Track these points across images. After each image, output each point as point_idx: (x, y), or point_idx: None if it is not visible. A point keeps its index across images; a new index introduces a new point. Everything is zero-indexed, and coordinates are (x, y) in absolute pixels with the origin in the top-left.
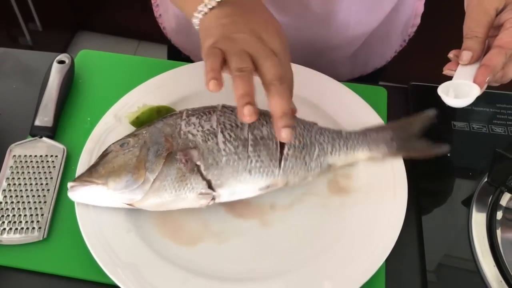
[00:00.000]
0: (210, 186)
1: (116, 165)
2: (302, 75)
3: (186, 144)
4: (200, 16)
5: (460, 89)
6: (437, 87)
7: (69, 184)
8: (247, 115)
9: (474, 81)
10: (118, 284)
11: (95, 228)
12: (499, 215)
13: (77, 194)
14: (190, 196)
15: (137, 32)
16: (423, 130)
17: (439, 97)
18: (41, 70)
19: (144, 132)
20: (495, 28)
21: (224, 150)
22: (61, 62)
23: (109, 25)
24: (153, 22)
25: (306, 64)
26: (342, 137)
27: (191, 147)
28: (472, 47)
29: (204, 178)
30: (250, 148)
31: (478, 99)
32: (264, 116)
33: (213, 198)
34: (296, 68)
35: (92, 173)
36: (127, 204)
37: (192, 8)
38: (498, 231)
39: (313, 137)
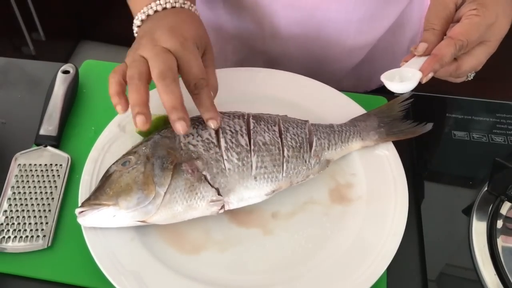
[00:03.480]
0: (219, 193)
1: (123, 184)
2: (277, 78)
3: (189, 155)
4: (135, 34)
5: (404, 76)
6: (438, 97)
7: (77, 210)
8: (139, 125)
9: (420, 69)
10: None
11: (99, 236)
12: (500, 224)
13: (87, 219)
14: (201, 204)
15: None
16: (404, 112)
17: (438, 107)
18: (46, 80)
19: (143, 148)
20: (455, 22)
21: (227, 157)
22: (65, 72)
23: (111, 35)
24: None
25: (308, 75)
26: (335, 131)
27: (194, 158)
28: (428, 39)
29: (212, 186)
30: (253, 154)
31: (479, 108)
32: (265, 123)
33: (223, 206)
34: (271, 72)
35: (99, 196)
36: (140, 222)
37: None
38: (499, 240)
39: (308, 135)
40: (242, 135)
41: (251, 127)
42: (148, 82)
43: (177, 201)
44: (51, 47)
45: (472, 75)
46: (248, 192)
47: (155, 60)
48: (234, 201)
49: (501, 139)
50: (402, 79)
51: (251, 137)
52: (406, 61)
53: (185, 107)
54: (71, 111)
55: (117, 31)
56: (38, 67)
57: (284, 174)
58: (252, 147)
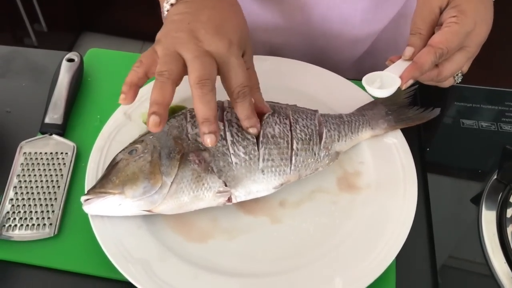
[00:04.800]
0: (226, 185)
1: (130, 172)
2: (283, 66)
3: (196, 146)
4: (165, 12)
5: (385, 80)
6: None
7: (83, 198)
8: (150, 125)
9: (401, 76)
10: (130, 279)
11: (106, 225)
12: (509, 212)
13: (93, 207)
14: (208, 195)
15: (141, 33)
16: (410, 99)
17: (444, 95)
18: (50, 68)
19: (150, 137)
20: (438, 26)
21: (234, 152)
22: (70, 60)
23: (113, 26)
24: (157, 23)
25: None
26: (345, 122)
27: (202, 149)
28: (415, 43)
29: (219, 178)
30: (261, 147)
31: (487, 97)
32: (278, 115)
33: (230, 199)
34: (277, 60)
35: (105, 184)
36: (146, 211)
37: (162, 4)
38: (509, 228)
39: (318, 126)
40: None
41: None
42: (177, 83)
43: (184, 192)
44: (53, 38)
45: (460, 78)
46: (256, 186)
47: (195, 63)
48: (241, 195)
49: (510, 128)
50: (383, 83)
51: (261, 128)
52: (392, 61)
53: (217, 119)
54: (76, 99)
55: (119, 22)
56: (42, 55)
57: (292, 168)
58: (261, 138)
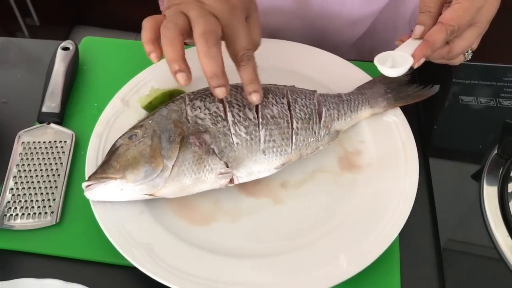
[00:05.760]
0: (227, 166)
1: (130, 157)
2: (281, 47)
3: (196, 128)
4: None
5: (397, 60)
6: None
7: (84, 184)
8: (182, 83)
9: (413, 54)
10: (135, 264)
11: (108, 211)
12: (510, 187)
13: (95, 192)
14: (210, 177)
15: (135, 25)
16: (409, 77)
17: (443, 73)
18: (45, 58)
19: (150, 121)
20: (448, 4)
21: (235, 132)
22: (65, 48)
23: (106, 19)
24: (151, 14)
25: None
26: (344, 101)
27: (202, 131)
28: (425, 21)
29: (221, 159)
30: (261, 128)
31: (484, 73)
32: (273, 95)
33: (232, 180)
34: (275, 42)
35: (106, 169)
36: (148, 195)
37: None
38: (511, 203)
39: (317, 105)
40: (250, 109)
41: None
42: (184, 37)
43: (185, 174)
44: (45, 32)
45: (470, 55)
46: (257, 166)
47: (199, 20)
48: (243, 175)
49: (509, 103)
50: (394, 63)
51: (259, 110)
52: (403, 41)
53: (226, 73)
54: (73, 88)
55: (113, 15)
56: (36, 45)
57: (293, 147)
58: (260, 120)
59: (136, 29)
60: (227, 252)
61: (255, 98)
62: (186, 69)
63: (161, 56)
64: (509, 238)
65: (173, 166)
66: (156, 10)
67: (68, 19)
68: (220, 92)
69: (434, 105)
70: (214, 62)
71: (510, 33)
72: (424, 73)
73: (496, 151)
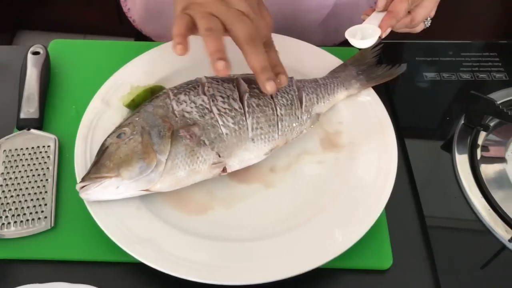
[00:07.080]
0: (219, 156)
1: (123, 155)
2: None
3: (184, 122)
4: None
5: (366, 32)
6: (406, 43)
7: (78, 186)
8: (220, 69)
9: (379, 26)
10: (140, 259)
11: (105, 210)
12: (479, 153)
13: (90, 193)
14: (204, 167)
15: (82, 26)
16: (377, 58)
17: (406, 52)
18: (14, 64)
19: (136, 119)
20: None
21: (223, 123)
22: (35, 53)
23: (50, 22)
24: (98, 14)
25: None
26: (320, 85)
27: (191, 124)
28: None
29: (212, 149)
30: (248, 116)
31: (445, 50)
32: (255, 85)
33: (225, 169)
34: None
35: (99, 169)
36: (143, 191)
37: None
38: (481, 168)
39: (297, 91)
40: (234, 99)
41: (242, 90)
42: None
43: (180, 167)
44: None
45: (429, 22)
46: (248, 154)
47: (238, 22)
48: (235, 163)
49: (469, 76)
50: (364, 35)
51: (244, 99)
52: (367, 15)
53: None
54: (48, 92)
55: (56, 18)
56: (2, 52)
57: (280, 133)
58: (246, 109)
59: (83, 31)
60: (226, 238)
61: (269, 88)
62: (227, 59)
63: (186, 51)
64: (483, 199)
65: (166, 160)
66: (103, 12)
67: (10, 25)
68: (269, 87)
69: (401, 83)
70: (263, 58)
71: (456, 12)
72: (389, 54)
73: (463, 121)
